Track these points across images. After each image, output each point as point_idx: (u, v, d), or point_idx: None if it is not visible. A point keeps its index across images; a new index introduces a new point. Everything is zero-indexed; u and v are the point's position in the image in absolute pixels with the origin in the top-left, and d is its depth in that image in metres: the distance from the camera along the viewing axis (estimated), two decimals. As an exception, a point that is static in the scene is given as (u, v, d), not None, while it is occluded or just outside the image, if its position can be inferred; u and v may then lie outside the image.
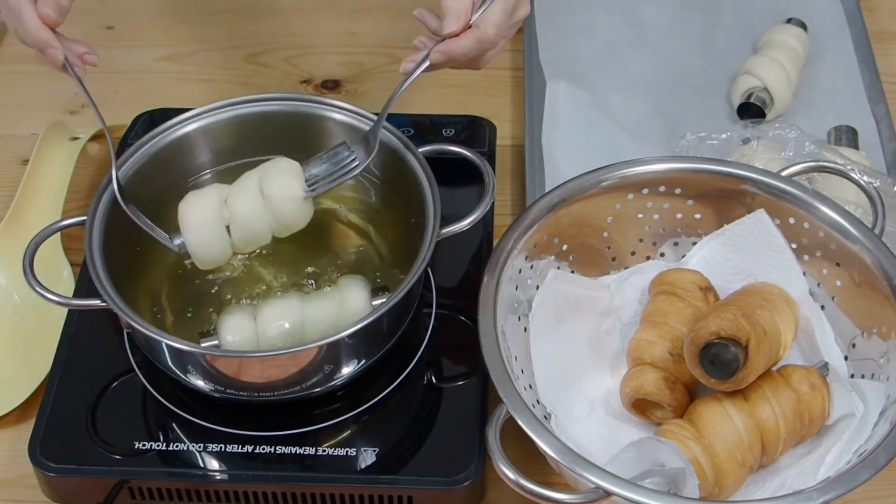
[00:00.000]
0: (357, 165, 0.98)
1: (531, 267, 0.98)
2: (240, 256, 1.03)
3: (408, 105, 1.23)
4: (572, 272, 1.02)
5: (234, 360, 0.93)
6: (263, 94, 1.07)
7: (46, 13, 0.95)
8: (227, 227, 0.97)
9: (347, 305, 0.97)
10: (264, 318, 0.96)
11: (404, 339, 0.99)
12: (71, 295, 1.05)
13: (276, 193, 0.96)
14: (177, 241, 0.97)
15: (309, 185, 0.97)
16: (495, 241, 0.99)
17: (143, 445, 0.95)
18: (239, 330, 0.95)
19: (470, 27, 0.97)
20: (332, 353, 0.93)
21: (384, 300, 0.96)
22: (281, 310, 0.96)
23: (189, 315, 1.01)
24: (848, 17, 1.33)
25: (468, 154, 1.03)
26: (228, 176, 1.08)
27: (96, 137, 1.22)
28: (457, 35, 0.97)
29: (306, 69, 1.32)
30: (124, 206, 0.96)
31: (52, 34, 0.95)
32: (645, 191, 1.01)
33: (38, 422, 0.96)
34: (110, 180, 0.99)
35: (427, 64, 0.98)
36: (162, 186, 1.05)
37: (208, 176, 1.08)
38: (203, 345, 0.96)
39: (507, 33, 1.00)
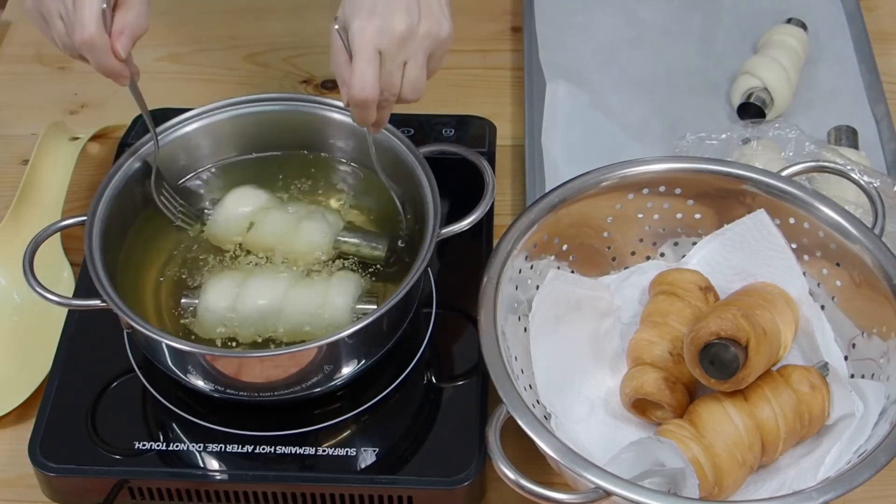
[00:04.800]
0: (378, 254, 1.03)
1: (531, 267, 0.98)
2: (239, 258, 1.03)
3: (408, 105, 1.23)
4: (572, 272, 1.01)
5: (233, 359, 0.93)
6: (263, 94, 1.07)
7: (119, 51, 0.92)
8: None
9: (328, 303, 0.97)
10: (246, 289, 0.97)
11: (404, 339, 0.99)
12: (71, 295, 1.05)
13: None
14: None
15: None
16: (495, 241, 0.99)
17: (143, 445, 0.95)
18: (220, 295, 0.96)
19: None
20: (332, 353, 0.93)
21: (371, 307, 0.96)
22: (266, 287, 0.97)
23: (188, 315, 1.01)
24: (848, 17, 1.33)
25: (468, 154, 1.03)
26: (228, 175, 1.08)
27: (96, 137, 1.22)
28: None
29: (306, 69, 1.32)
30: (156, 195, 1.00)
31: (124, 65, 0.93)
32: (645, 191, 1.01)
33: (38, 422, 0.96)
34: (110, 179, 1.00)
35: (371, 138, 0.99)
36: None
37: (210, 173, 1.08)
38: (182, 302, 0.98)
39: (409, 74, 0.92)
